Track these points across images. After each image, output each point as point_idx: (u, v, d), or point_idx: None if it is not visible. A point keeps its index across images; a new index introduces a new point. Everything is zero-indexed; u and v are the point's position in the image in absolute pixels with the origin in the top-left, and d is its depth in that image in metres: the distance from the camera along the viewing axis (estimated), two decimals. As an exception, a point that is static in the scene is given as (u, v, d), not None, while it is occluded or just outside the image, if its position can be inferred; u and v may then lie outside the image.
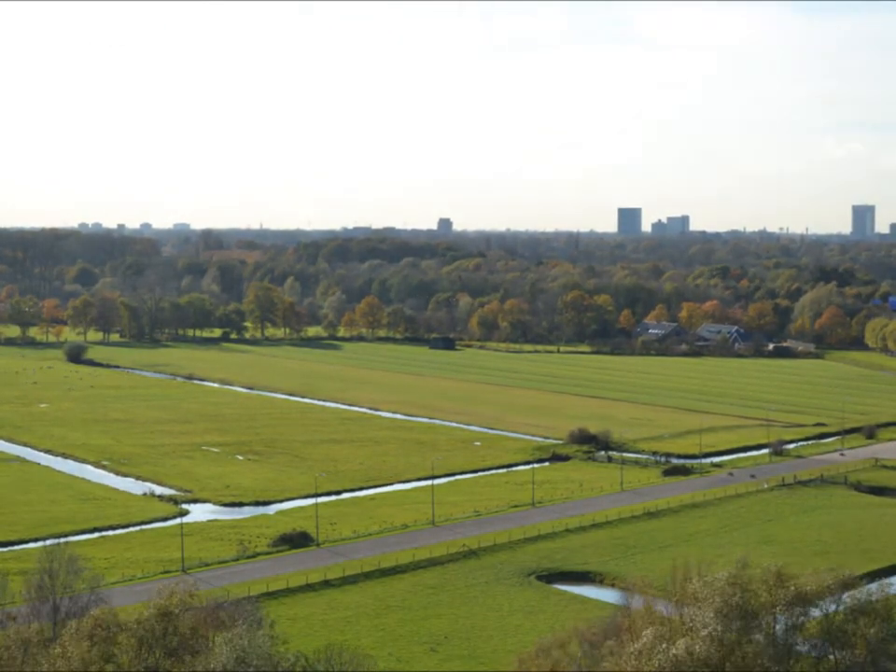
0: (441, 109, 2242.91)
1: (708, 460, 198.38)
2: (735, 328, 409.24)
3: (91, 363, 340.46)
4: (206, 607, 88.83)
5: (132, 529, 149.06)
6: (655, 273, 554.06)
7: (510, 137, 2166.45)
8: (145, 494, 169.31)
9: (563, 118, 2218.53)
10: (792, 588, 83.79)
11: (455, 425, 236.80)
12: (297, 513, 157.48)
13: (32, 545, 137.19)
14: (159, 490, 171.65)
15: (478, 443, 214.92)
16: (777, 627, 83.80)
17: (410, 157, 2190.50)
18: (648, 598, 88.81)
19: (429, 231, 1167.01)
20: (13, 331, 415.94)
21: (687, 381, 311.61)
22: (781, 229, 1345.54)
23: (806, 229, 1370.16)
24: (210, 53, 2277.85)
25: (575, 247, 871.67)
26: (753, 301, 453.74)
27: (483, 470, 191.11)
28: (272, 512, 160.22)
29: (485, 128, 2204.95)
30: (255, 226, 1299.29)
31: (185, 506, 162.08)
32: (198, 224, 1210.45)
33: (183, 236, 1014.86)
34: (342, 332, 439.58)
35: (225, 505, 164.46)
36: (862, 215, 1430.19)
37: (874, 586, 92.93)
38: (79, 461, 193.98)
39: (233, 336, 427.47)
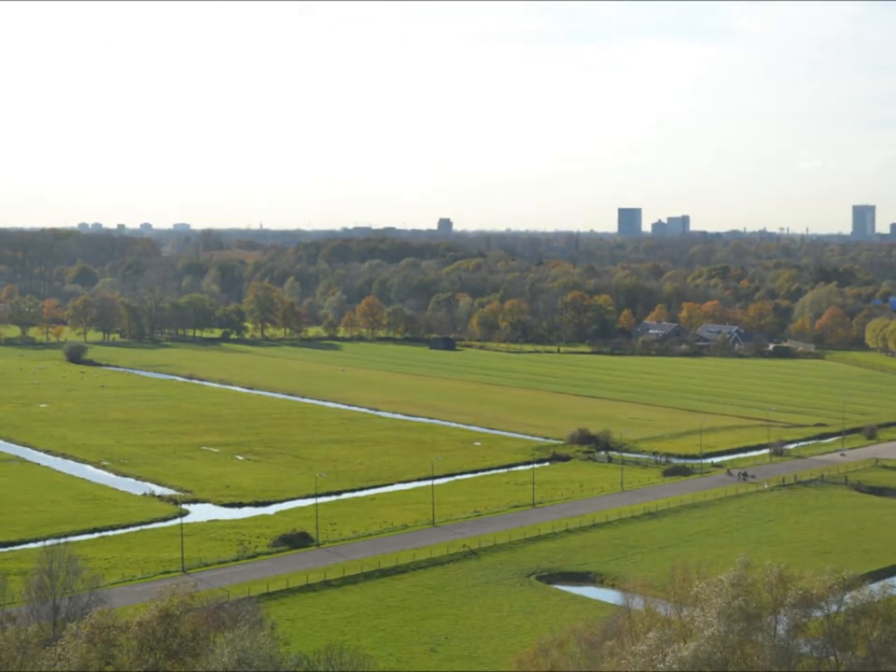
0: (441, 109, 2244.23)
1: (709, 460, 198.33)
2: (736, 328, 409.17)
3: (91, 363, 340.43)
4: (207, 607, 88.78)
5: (132, 529, 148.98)
6: (655, 274, 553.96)
7: (510, 137, 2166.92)
8: (145, 494, 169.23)
9: (563, 117, 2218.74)
10: (795, 590, 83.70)
11: (455, 425, 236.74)
12: (297, 513, 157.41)
13: (31, 545, 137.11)
14: (159, 490, 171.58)
15: (478, 443, 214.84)
16: (779, 628, 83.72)
17: (410, 157, 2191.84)
18: (648, 599, 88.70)
19: (429, 232, 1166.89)
20: (13, 332, 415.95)
21: (687, 381, 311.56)
22: (781, 229, 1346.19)
23: (807, 229, 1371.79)
24: (210, 53, 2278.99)
25: (575, 247, 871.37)
26: (753, 302, 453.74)
27: (484, 471, 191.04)
28: (272, 513, 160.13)
29: (485, 128, 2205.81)
30: (255, 226, 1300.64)
31: (185, 506, 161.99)
32: (198, 224, 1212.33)
33: (183, 236, 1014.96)
34: (342, 332, 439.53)
35: (225, 505, 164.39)
36: (863, 215, 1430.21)
37: (875, 587, 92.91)
38: (79, 461, 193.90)
39: (233, 336, 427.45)
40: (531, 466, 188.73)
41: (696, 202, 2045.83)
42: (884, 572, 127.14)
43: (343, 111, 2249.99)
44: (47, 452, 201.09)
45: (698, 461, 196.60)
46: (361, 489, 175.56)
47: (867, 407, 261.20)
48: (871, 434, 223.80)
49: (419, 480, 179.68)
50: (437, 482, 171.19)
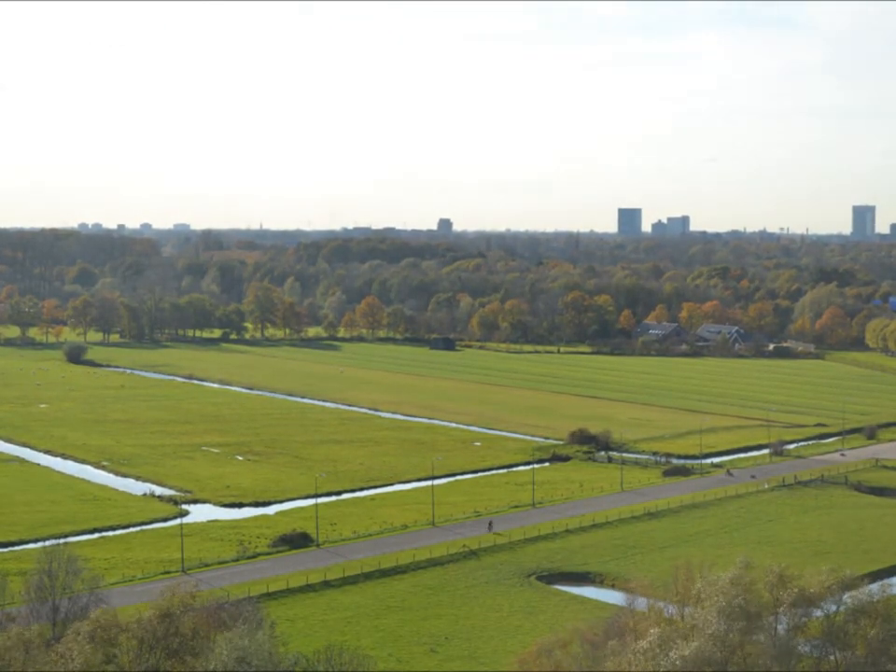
0: (441, 109, 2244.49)
1: (709, 460, 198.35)
2: (736, 328, 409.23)
3: (91, 364, 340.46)
4: (207, 607, 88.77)
5: (132, 530, 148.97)
6: (655, 274, 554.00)
7: (510, 137, 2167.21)
8: (145, 494, 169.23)
9: (563, 117, 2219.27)
10: (796, 589, 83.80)
11: (454, 425, 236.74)
12: (297, 514, 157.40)
13: (31, 546, 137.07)
14: (159, 490, 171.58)
15: (478, 444, 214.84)
16: (779, 628, 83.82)
17: (410, 157, 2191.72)
18: (650, 599, 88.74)
19: (429, 232, 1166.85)
20: (13, 332, 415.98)
21: (687, 381, 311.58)
22: (781, 229, 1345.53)
23: (807, 229, 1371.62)
24: (210, 53, 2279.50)
25: (575, 248, 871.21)
26: (753, 302, 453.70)
27: (484, 471, 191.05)
28: (272, 513, 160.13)
29: (485, 128, 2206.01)
30: (255, 226, 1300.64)
31: (185, 506, 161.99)
32: (198, 224, 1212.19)
33: (183, 236, 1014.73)
34: (342, 333, 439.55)
35: (225, 505, 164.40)
36: (863, 215, 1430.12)
37: (874, 587, 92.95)
38: (79, 461, 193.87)
39: (233, 336, 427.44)
40: (531, 466, 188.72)
41: (696, 202, 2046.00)
42: (884, 572, 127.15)
43: (343, 111, 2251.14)
44: (47, 452, 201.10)
45: (698, 461, 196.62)
46: (361, 489, 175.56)
47: (867, 407, 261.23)
48: (871, 434, 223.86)
49: (419, 480, 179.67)
50: (437, 482, 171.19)
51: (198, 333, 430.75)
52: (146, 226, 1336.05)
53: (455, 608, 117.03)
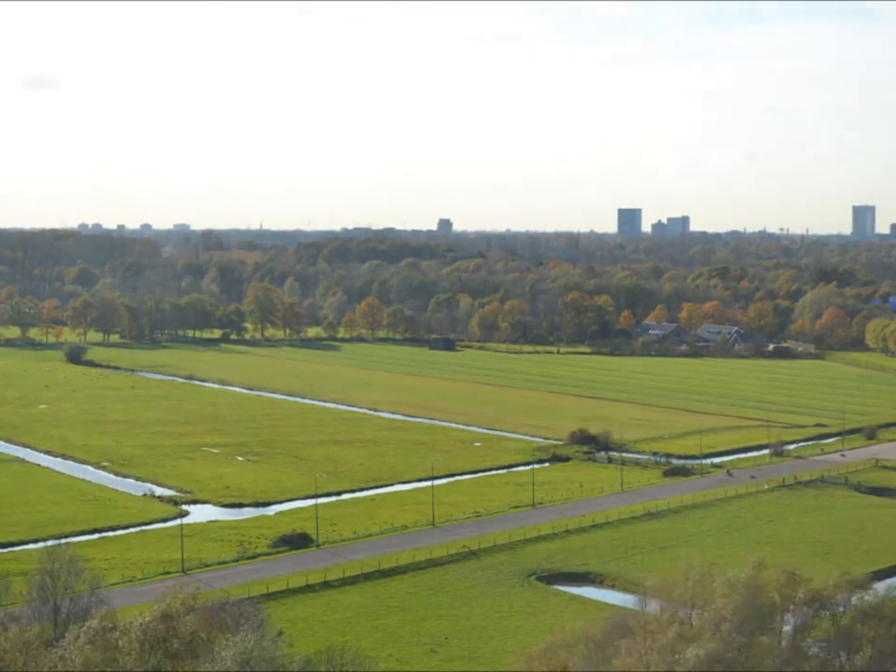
0: (441, 109, 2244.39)
1: (709, 461, 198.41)
2: (736, 328, 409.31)
3: (91, 364, 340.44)
4: (209, 608, 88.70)
5: (132, 530, 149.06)
6: (655, 274, 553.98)
7: (509, 138, 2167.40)
8: (145, 495, 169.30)
9: (562, 117, 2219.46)
10: (807, 590, 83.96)
11: (454, 425, 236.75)
12: (297, 514, 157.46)
13: (32, 546, 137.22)
14: (159, 491, 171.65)
15: (478, 444, 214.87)
16: (786, 629, 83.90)
17: (410, 157, 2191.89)
18: (660, 599, 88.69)
19: (429, 232, 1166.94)
20: (13, 332, 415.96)
21: (687, 381, 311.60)
22: (781, 229, 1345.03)
23: (807, 229, 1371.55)
24: (210, 53, 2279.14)
25: (575, 248, 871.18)
26: (753, 302, 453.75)
27: (483, 471, 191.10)
28: (271, 513, 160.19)
29: (485, 128, 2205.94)
30: (255, 226, 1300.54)
31: (185, 507, 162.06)
32: (198, 224, 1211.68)
33: (183, 237, 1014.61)
34: (342, 333, 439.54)
35: (225, 506, 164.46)
36: (863, 215, 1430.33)
37: (881, 588, 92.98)
38: (79, 462, 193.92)
39: (233, 337, 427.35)
40: (531, 466, 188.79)
41: (696, 202, 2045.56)
42: (884, 573, 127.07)
43: (343, 111, 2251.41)
44: (47, 452, 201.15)
45: (698, 462, 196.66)
46: (361, 490, 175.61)
47: (867, 407, 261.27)
48: (871, 434, 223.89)
49: (419, 480, 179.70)
50: (437, 482, 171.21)
51: (198, 334, 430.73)
52: (145, 226, 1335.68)
53: (455, 608, 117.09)
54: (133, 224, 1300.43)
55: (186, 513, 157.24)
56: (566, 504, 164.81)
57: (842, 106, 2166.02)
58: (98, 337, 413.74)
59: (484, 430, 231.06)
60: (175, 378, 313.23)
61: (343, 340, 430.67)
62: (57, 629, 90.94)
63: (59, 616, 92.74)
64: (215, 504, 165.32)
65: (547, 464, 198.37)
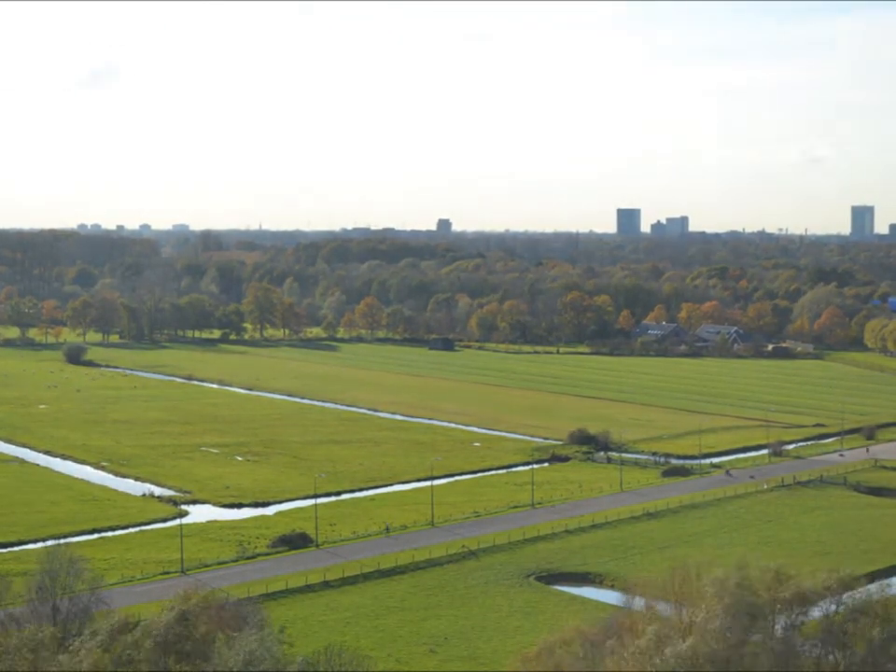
0: (440, 110, 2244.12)
1: (708, 461, 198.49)
2: (735, 328, 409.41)
3: (91, 364, 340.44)
4: (215, 607, 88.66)
5: (131, 530, 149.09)
6: (654, 274, 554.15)
7: (509, 138, 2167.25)
8: (144, 495, 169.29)
9: (561, 117, 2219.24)
10: (794, 588, 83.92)
11: (454, 425, 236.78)
12: (296, 514, 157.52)
13: (31, 546, 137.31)
14: (158, 491, 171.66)
15: (477, 444, 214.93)
16: (777, 627, 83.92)
17: (409, 157, 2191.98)
18: (648, 598, 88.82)
19: (429, 232, 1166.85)
20: (12, 333, 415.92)
21: (686, 381, 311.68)
22: (780, 229, 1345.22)
23: (805, 229, 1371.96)
24: (210, 53, 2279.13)
25: (574, 248, 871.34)
26: (752, 302, 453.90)
27: (483, 471, 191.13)
28: (271, 513, 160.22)
29: (485, 128, 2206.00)
30: (254, 226, 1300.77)
31: (184, 507, 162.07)
32: (197, 225, 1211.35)
33: (182, 237, 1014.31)
34: (341, 333, 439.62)
35: (224, 506, 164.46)
36: (862, 215, 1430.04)
37: (873, 586, 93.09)
38: (79, 462, 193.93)
39: (232, 337, 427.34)
40: (530, 466, 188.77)
41: (695, 202, 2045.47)
42: (883, 572, 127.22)
43: (343, 111, 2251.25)
44: (46, 453, 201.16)
45: (697, 462, 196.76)
46: (360, 490, 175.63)
47: (866, 407, 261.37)
48: (870, 434, 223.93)
49: (418, 480, 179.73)
50: (436, 482, 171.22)
51: (197, 334, 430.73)
52: (145, 226, 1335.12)
53: (455, 608, 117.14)
54: (132, 225, 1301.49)
55: (185, 513, 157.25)
56: (565, 504, 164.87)
57: (842, 106, 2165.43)
58: (97, 337, 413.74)
59: (484, 430, 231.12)
60: (174, 378, 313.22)
61: (342, 340, 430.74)
62: (56, 629, 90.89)
63: (58, 616, 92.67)
64: (214, 504, 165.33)
65: (546, 464, 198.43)
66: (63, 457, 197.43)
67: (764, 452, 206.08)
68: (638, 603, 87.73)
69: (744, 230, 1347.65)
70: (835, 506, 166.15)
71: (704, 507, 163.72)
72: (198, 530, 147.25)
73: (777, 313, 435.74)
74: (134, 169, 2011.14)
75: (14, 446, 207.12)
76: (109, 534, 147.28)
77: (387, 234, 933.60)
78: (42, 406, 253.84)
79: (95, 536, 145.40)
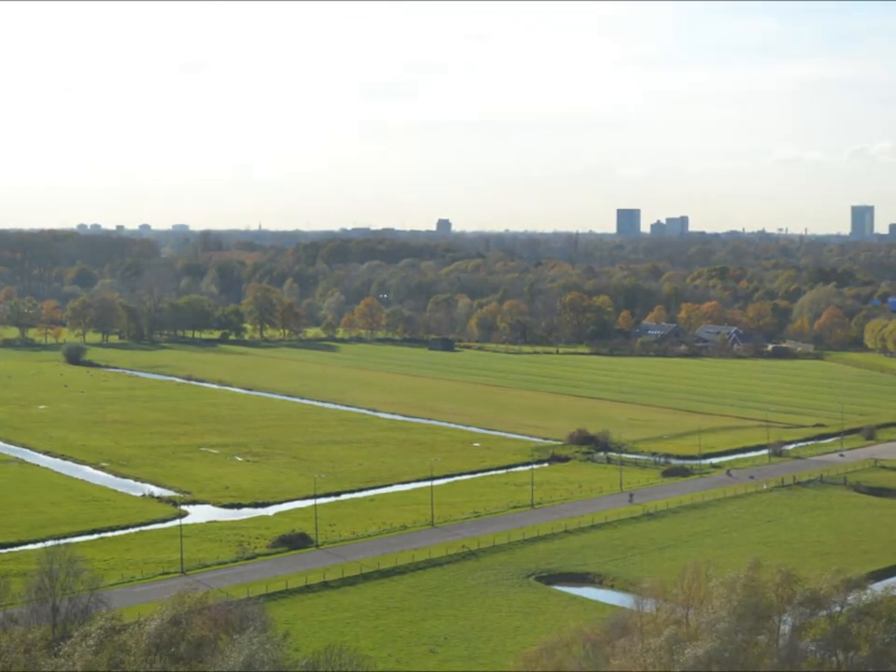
0: (440, 110, 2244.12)
1: (708, 461, 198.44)
2: (735, 328, 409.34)
3: (90, 364, 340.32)
4: (214, 608, 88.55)
5: (131, 531, 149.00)
6: (654, 274, 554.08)
7: (509, 138, 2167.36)
8: (144, 495, 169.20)
9: (561, 117, 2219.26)
10: (804, 590, 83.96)
11: (453, 426, 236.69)
12: (296, 514, 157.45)
13: (31, 546, 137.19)
14: (158, 491, 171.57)
15: (477, 444, 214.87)
16: (784, 628, 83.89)
17: (409, 157, 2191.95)
18: (657, 599, 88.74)
19: (428, 232, 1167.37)
20: (12, 333, 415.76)
21: (686, 382, 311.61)
22: (780, 229, 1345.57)
23: (805, 229, 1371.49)
24: (209, 53, 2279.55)
25: (574, 248, 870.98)
26: (752, 302, 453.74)
27: (483, 471, 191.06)
28: (271, 514, 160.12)
29: (484, 128, 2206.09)
30: (254, 227, 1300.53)
31: (184, 507, 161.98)
32: (197, 225, 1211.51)
33: (182, 237, 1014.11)
34: (340, 333, 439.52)
35: (224, 506, 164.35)
36: (861, 215, 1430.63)
37: (878, 587, 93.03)
38: (78, 462, 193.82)
39: (232, 337, 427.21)
40: (530, 466, 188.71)
41: (695, 202, 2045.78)
42: (883, 573, 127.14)
43: (343, 111, 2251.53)
44: (46, 453, 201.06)
45: (697, 462, 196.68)
46: (360, 490, 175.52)
47: (866, 407, 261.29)
48: (870, 435, 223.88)
49: (418, 481, 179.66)
50: (436, 482, 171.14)
51: (197, 334, 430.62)
52: (144, 227, 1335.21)
53: (455, 608, 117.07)
54: (131, 225, 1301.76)
55: (185, 514, 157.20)
56: (565, 504, 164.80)
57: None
58: (97, 337, 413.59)
59: (483, 431, 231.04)
60: (173, 378, 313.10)
61: (341, 340, 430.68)
62: (56, 630, 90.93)
63: (57, 617, 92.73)
64: (214, 504, 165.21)
65: (546, 464, 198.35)
66: (63, 458, 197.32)
67: (764, 452, 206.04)
68: (647, 604, 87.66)
69: (744, 229, 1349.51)
70: (835, 506, 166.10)
71: (704, 507, 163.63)
72: (197, 531, 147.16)
73: (777, 313, 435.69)
74: (134, 169, 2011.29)
75: (14, 446, 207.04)
76: (109, 534, 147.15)
77: (387, 234, 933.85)
78: (42, 406, 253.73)
79: (95, 536, 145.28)
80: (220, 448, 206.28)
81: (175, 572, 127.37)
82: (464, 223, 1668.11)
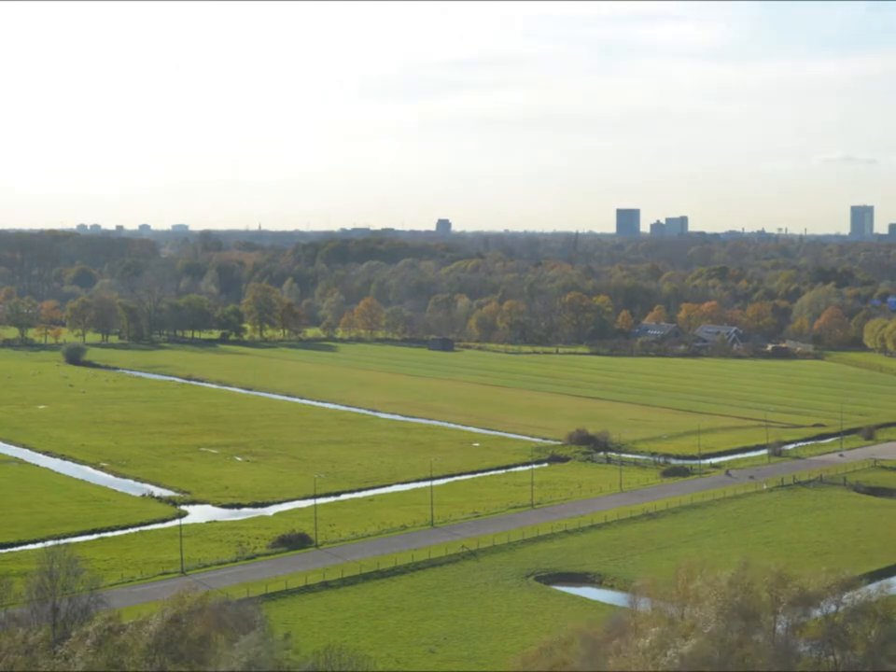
0: (439, 110, 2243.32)
1: (707, 461, 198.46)
2: (734, 328, 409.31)
3: (90, 364, 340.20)
4: (212, 608, 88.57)
5: (131, 531, 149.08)
6: (654, 274, 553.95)
7: (508, 138, 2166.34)
8: (143, 495, 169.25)
9: (561, 117, 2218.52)
10: (795, 589, 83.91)
11: (453, 426, 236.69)
12: (295, 515, 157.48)
13: (31, 546, 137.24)
14: (157, 491, 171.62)
15: (477, 444, 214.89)
16: (778, 627, 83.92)
17: (409, 157, 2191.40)
18: (652, 599, 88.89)
19: (428, 232, 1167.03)
20: (11, 333, 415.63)
21: (686, 382, 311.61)
22: (780, 229, 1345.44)
23: (805, 229, 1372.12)
24: (209, 53, 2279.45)
25: (573, 248, 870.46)
26: (752, 302, 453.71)
27: (482, 471, 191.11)
28: (270, 514, 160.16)
29: (484, 128, 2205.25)
30: (253, 227, 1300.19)
31: (184, 507, 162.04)
32: (196, 225, 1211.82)
33: (181, 237, 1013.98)
34: (340, 334, 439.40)
35: (224, 506, 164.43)
36: (861, 215, 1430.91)
37: (873, 587, 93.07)
38: (78, 462, 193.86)
39: (232, 337, 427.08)
40: (530, 467, 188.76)
41: (695, 202, 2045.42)
42: (882, 572, 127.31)
43: (343, 111, 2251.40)
44: (46, 453, 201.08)
45: (697, 462, 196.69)
46: (360, 490, 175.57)
47: (865, 407, 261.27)
48: (869, 435, 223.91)
49: (418, 481, 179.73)
50: (436, 482, 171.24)
51: (196, 334, 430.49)
52: (144, 227, 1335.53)
53: (454, 608, 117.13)
54: (131, 225, 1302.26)
55: (185, 514, 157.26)
56: (564, 504, 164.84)
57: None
58: (97, 338, 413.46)
59: (483, 431, 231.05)
60: (173, 378, 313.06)
61: (341, 340, 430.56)
62: (56, 630, 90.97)
63: (58, 617, 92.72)
64: (213, 504, 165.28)
65: (546, 464, 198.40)
66: (63, 458, 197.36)
67: (764, 452, 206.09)
68: (642, 603, 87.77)
69: (743, 229, 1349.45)
70: (835, 506, 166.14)
71: (703, 507, 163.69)
72: (197, 531, 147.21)
73: (777, 313, 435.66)
74: (134, 169, 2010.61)
75: (14, 447, 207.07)
76: (109, 534, 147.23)
77: (386, 235, 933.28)
78: (42, 406, 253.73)
79: (95, 536, 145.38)
80: (220, 448, 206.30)
81: (175, 572, 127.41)
82: (464, 223, 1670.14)
